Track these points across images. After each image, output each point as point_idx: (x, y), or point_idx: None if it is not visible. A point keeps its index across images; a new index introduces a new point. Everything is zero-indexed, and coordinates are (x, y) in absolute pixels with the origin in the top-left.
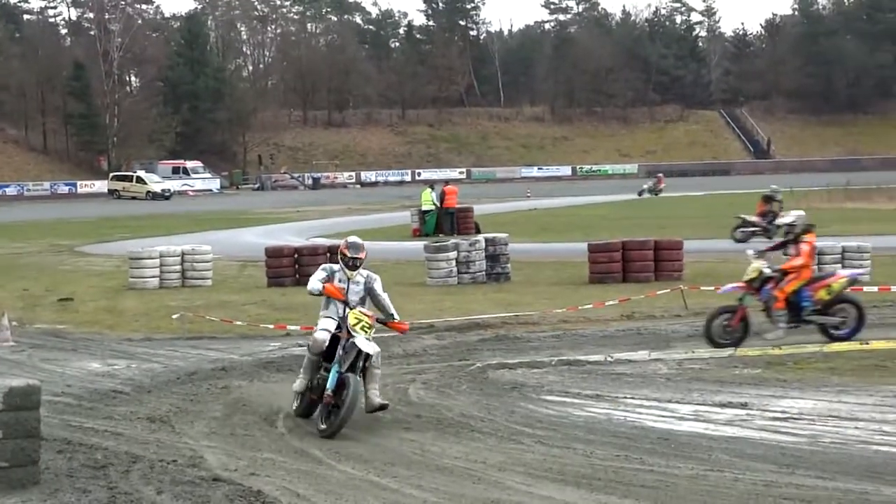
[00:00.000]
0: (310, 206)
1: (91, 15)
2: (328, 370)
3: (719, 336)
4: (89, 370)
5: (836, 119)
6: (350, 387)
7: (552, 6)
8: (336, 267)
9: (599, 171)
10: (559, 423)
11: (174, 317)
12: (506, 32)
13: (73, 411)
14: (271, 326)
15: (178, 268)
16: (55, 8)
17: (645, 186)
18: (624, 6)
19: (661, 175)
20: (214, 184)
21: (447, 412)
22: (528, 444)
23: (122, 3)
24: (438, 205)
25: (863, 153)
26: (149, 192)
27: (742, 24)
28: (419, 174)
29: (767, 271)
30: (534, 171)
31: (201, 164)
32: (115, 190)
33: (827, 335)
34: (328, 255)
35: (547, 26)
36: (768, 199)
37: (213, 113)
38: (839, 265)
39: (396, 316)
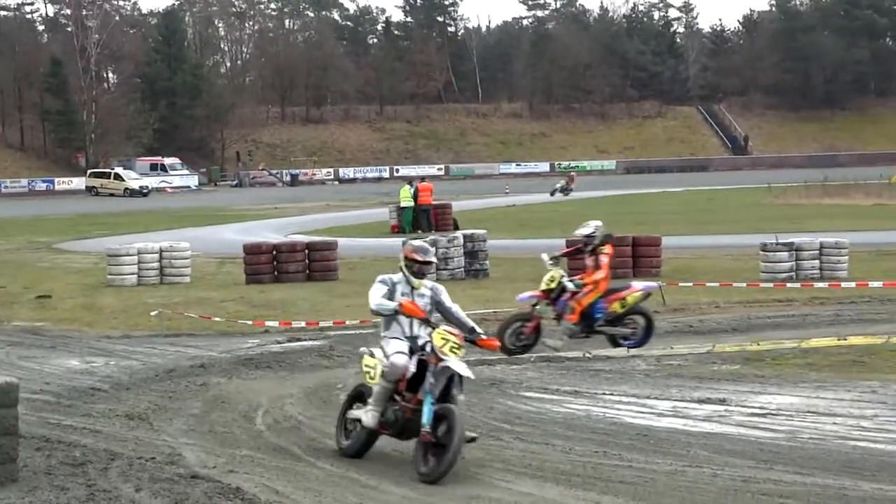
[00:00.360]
0: (288, 203)
1: (68, 11)
2: (394, 399)
3: (511, 343)
4: (67, 367)
5: (813, 115)
6: (453, 420)
7: (530, 2)
8: (396, 278)
9: (577, 167)
10: (538, 420)
11: (152, 314)
12: (484, 29)
13: (51, 409)
14: (250, 323)
15: (156, 265)
16: (32, 4)
17: (557, 186)
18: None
19: (573, 174)
20: (192, 180)
21: None
22: (507, 440)
23: None
24: (413, 202)
25: (840, 149)
26: (126, 188)
27: (720, 20)
28: (397, 170)
29: (569, 285)
30: (512, 168)
31: (179, 161)
32: (93, 187)
33: (615, 344)
34: (307, 251)
35: (525, 22)
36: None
37: (191, 109)
38: (817, 261)
39: (479, 329)
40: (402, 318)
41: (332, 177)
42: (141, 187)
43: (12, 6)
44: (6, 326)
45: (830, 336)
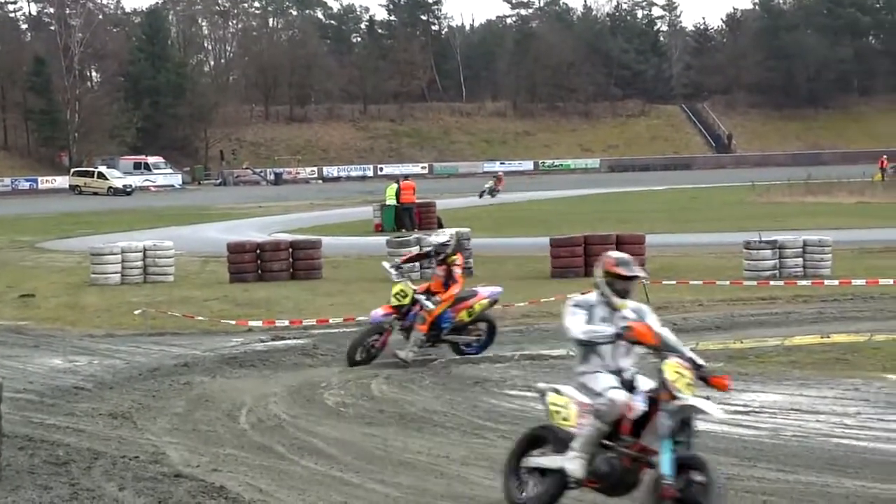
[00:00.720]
0: (272, 202)
1: (51, 10)
2: (605, 445)
3: (360, 355)
4: (51, 366)
5: (796, 113)
6: (709, 471)
7: (514, 1)
8: (593, 298)
9: (561, 165)
10: (522, 418)
11: (136, 313)
12: (467, 27)
13: (34, 408)
14: (233, 322)
15: (139, 264)
16: (15, 3)
17: (486, 187)
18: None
19: (500, 174)
20: (176, 179)
21: (410, 407)
22: (490, 438)
23: None
24: (396, 200)
25: (823, 147)
26: (110, 187)
27: (703, 18)
28: (381, 169)
29: (429, 304)
30: (496, 166)
31: (163, 160)
32: (77, 186)
33: (458, 352)
34: (290, 250)
35: (509, 21)
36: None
37: (175, 108)
38: (800, 259)
39: (701, 361)
40: (605, 349)
41: (315, 175)
42: (124, 186)
43: None
44: None
45: (813, 334)
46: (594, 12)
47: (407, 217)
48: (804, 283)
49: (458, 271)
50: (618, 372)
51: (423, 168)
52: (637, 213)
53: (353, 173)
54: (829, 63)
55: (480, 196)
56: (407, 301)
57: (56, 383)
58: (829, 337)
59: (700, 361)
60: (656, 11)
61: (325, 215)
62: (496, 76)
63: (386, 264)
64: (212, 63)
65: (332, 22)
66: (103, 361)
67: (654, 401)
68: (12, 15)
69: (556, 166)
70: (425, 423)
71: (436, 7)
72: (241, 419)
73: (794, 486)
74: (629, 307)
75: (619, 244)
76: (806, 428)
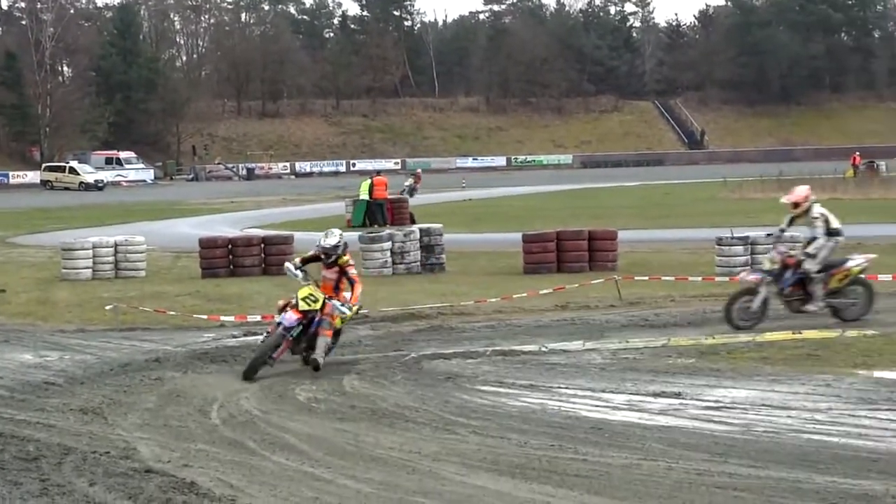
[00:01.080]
0: (244, 197)
1: (22, 4)
2: None
3: (260, 363)
4: (21, 362)
5: (769, 110)
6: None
7: None
8: None
9: (534, 161)
10: (493, 413)
11: (107, 308)
12: (440, 23)
13: (4, 403)
14: (205, 317)
15: (111, 259)
16: None
17: (405, 185)
18: None
19: (419, 171)
20: (148, 174)
21: (382, 402)
22: (462, 434)
23: None
24: (368, 196)
25: (795, 144)
26: (82, 182)
27: (676, 14)
28: (354, 164)
29: (339, 305)
30: (469, 162)
31: (135, 155)
32: (48, 181)
33: (305, 361)
34: (262, 245)
35: (481, 17)
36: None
37: (147, 103)
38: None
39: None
40: None
41: (288, 171)
42: (96, 181)
43: None
44: None
45: (785, 330)
46: (567, 8)
47: (379, 213)
48: None
49: (353, 271)
50: None
51: (395, 163)
52: (610, 209)
53: (326, 169)
54: (802, 60)
55: (401, 194)
56: (317, 306)
57: (26, 378)
58: (800, 333)
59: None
60: (629, 7)
61: (298, 211)
62: (469, 72)
63: (290, 266)
64: (184, 58)
65: (305, 17)
66: (74, 357)
67: None
68: None
69: (528, 162)
70: (397, 419)
71: (408, 3)
72: (213, 415)
73: (766, 482)
74: None
75: (592, 240)
76: (777, 424)
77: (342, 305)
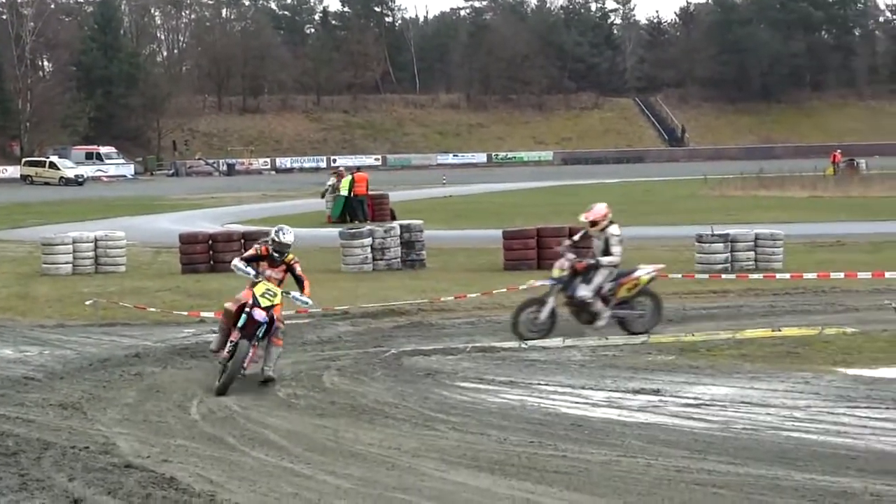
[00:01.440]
0: (224, 193)
1: None
2: None
3: (234, 380)
4: (1, 357)
5: (749, 107)
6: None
7: None
8: None
9: (515, 158)
10: (473, 410)
11: (87, 303)
12: (421, 19)
13: None
14: (185, 313)
15: (91, 254)
16: None
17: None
18: None
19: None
20: (128, 169)
21: (361, 398)
22: (442, 430)
23: None
24: (348, 192)
25: (776, 141)
26: (62, 177)
27: (657, 12)
28: (334, 160)
29: (299, 297)
30: (449, 158)
31: (115, 150)
32: (28, 175)
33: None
34: (243, 241)
35: (462, 13)
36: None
37: (127, 98)
38: (752, 252)
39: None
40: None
41: (268, 167)
42: (76, 176)
43: None
44: None
45: (765, 327)
46: (548, 5)
47: (360, 209)
48: (756, 276)
49: (299, 268)
50: None
51: (376, 160)
52: (591, 205)
53: (307, 164)
54: (782, 57)
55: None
56: (277, 300)
57: (6, 374)
58: (780, 330)
59: None
60: (610, 4)
61: (278, 207)
62: (450, 68)
63: (239, 264)
64: (165, 53)
65: (286, 13)
66: (54, 352)
67: None
68: None
69: (509, 159)
70: (376, 415)
71: None
72: (192, 410)
73: (744, 479)
74: None
75: (572, 236)
76: (756, 421)
77: (302, 297)
